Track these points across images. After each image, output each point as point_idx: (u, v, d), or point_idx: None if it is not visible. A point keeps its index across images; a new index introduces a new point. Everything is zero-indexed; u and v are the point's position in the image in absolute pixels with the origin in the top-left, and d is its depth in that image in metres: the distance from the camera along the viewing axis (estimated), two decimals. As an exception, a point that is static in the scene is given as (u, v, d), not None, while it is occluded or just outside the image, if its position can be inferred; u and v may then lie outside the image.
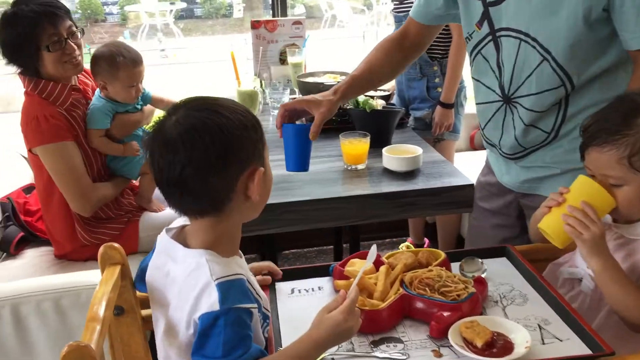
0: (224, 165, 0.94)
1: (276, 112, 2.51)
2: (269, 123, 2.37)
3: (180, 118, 0.96)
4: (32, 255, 2.13)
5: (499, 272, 1.21)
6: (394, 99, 2.67)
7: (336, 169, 1.89)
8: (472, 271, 1.15)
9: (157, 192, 2.42)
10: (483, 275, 1.15)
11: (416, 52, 1.72)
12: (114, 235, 2.06)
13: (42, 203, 2.07)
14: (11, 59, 1.91)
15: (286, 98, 2.45)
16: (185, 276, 0.95)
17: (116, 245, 1.08)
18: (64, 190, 1.95)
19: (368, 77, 1.63)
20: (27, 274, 1.98)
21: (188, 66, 8.58)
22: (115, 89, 2.02)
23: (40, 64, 1.89)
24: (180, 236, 1.03)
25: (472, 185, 1.74)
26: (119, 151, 2.06)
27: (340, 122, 2.15)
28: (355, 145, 1.86)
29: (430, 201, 1.75)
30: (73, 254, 2.08)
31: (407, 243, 2.97)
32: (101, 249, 1.06)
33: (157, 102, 2.23)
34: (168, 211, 2.16)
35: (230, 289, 0.92)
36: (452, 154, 2.62)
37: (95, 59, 2.01)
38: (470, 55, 1.50)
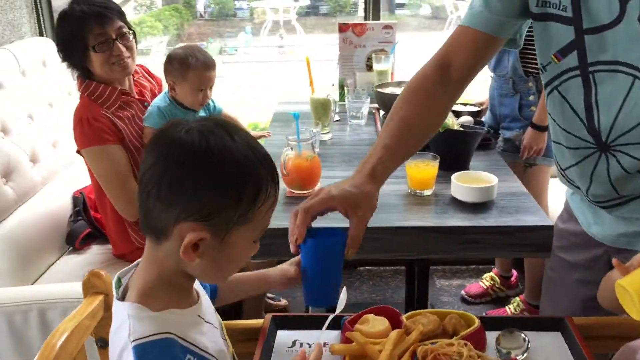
0: (171, 192, 0.79)
1: (355, 122, 2.39)
2: (344, 134, 2.22)
3: (195, 128, 0.81)
4: (94, 252, 2.14)
5: (546, 353, 0.97)
6: (486, 116, 2.42)
7: (399, 193, 1.69)
8: (509, 348, 0.93)
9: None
10: (521, 358, 0.92)
11: (464, 84, 1.25)
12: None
13: (97, 203, 2.07)
14: (64, 58, 1.92)
15: (366, 108, 2.28)
16: (112, 335, 0.82)
17: (103, 273, 0.98)
18: (109, 194, 1.93)
19: (408, 142, 1.19)
20: (82, 272, 1.97)
21: (298, 64, 8.62)
22: (183, 90, 1.98)
23: (89, 65, 1.88)
24: (131, 279, 0.88)
25: (551, 227, 1.48)
26: None
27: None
28: (422, 169, 1.66)
29: (499, 241, 1.51)
30: (129, 255, 2.06)
31: (491, 274, 2.68)
32: (85, 277, 0.97)
33: (226, 118, 2.16)
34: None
35: (149, 352, 0.76)
36: (545, 181, 2.31)
37: (169, 59, 1.99)
38: (545, 88, 1.20)
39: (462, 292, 2.69)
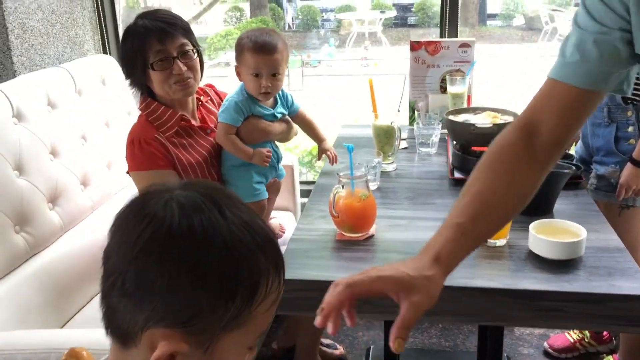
0: (138, 288, 0.61)
1: (424, 150, 2.14)
2: (411, 164, 1.99)
3: (175, 200, 0.63)
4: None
5: None
6: (577, 145, 2.12)
7: (466, 242, 1.46)
8: None
9: (272, 221, 2.19)
10: None
11: (557, 152, 1.04)
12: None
13: None
14: (126, 75, 1.81)
15: (436, 135, 2.05)
16: None
17: (84, 353, 0.83)
18: None
19: (483, 223, 1.00)
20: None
21: (381, 78, 8.40)
22: (243, 75, 1.83)
23: (149, 83, 1.77)
24: None
25: (655, 298, 1.19)
26: (245, 154, 1.83)
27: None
28: (494, 215, 1.41)
29: (587, 310, 1.24)
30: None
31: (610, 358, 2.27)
32: (63, 357, 0.82)
33: (300, 120, 2.00)
34: (282, 240, 1.92)
35: None
36: (645, 228, 1.98)
37: (237, 39, 1.84)
38: None
39: (545, 344, 2.37)
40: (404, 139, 2.17)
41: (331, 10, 12.57)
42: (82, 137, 2.10)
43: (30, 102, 1.88)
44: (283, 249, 1.90)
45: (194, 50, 1.78)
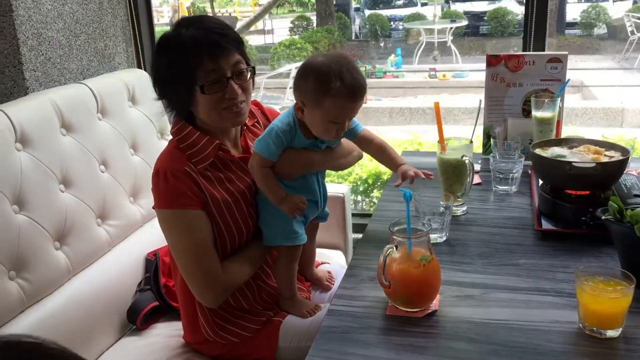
0: None
1: (502, 188, 1.67)
2: (486, 206, 1.62)
3: None
4: (160, 335, 1.73)
5: None
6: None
7: (564, 327, 1.08)
8: None
9: (320, 268, 1.84)
10: None
11: None
12: (244, 337, 1.55)
13: (172, 268, 1.64)
14: (161, 95, 1.46)
15: (518, 170, 1.66)
16: None
17: None
18: (181, 269, 1.48)
19: None
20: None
21: (450, 91, 7.92)
22: (312, 117, 1.41)
23: (192, 106, 1.44)
24: None
25: None
26: (274, 197, 1.46)
27: (590, 243, 1.32)
28: (602, 296, 1.03)
29: None
30: (199, 346, 1.62)
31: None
32: None
33: (365, 144, 1.58)
34: (319, 315, 1.57)
35: None
36: None
37: (305, 71, 1.40)
38: None
39: None
40: (477, 172, 1.80)
41: (400, 19, 12.19)
42: (103, 164, 1.84)
43: (39, 124, 1.63)
44: (316, 322, 1.51)
45: (249, 69, 1.46)
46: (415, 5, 12.72)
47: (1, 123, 1.53)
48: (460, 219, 1.55)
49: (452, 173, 1.53)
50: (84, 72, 2.02)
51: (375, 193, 3.13)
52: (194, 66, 1.37)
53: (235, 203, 1.49)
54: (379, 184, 3.14)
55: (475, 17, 11.47)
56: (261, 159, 1.46)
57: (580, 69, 8.39)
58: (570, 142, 1.54)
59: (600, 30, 10.97)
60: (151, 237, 1.93)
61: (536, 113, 1.77)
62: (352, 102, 1.39)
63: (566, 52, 1.82)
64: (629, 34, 9.36)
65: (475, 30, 11.50)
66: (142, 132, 2.04)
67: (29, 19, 1.78)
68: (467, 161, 1.50)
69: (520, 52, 1.87)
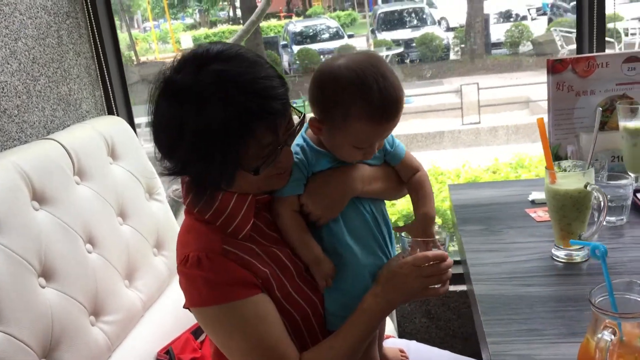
0: None
1: (610, 219, 1.32)
2: (614, 252, 1.28)
3: None
4: None
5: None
6: None
7: None
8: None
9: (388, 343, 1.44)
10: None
11: None
12: None
13: None
14: (175, 172, 1.02)
15: (628, 196, 1.34)
16: None
17: None
18: None
19: None
20: None
21: (401, 122, 7.67)
22: (334, 140, 1.07)
23: (229, 180, 1.01)
24: None
25: None
26: (308, 255, 1.09)
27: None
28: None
29: None
30: None
31: None
32: None
33: (406, 169, 1.21)
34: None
35: None
36: None
37: (321, 79, 1.05)
38: None
39: None
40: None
41: (330, 52, 12.06)
42: (89, 242, 1.39)
43: (3, 199, 1.18)
44: None
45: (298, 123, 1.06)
46: (342, 37, 12.66)
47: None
48: (582, 266, 1.20)
49: (571, 208, 1.18)
50: (48, 124, 1.57)
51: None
52: (247, 140, 0.96)
53: (284, 269, 1.08)
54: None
55: (405, 45, 11.49)
56: (282, 201, 1.09)
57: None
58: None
59: (526, 47, 11.20)
60: (158, 328, 1.49)
61: (627, 123, 1.47)
62: (382, 125, 1.04)
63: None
64: (559, 48, 9.55)
65: (406, 57, 11.51)
66: (129, 194, 1.60)
67: (-27, 60, 1.33)
68: (592, 189, 1.16)
69: (591, 54, 1.58)
